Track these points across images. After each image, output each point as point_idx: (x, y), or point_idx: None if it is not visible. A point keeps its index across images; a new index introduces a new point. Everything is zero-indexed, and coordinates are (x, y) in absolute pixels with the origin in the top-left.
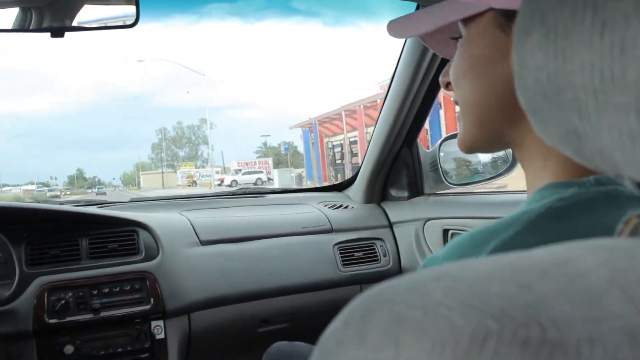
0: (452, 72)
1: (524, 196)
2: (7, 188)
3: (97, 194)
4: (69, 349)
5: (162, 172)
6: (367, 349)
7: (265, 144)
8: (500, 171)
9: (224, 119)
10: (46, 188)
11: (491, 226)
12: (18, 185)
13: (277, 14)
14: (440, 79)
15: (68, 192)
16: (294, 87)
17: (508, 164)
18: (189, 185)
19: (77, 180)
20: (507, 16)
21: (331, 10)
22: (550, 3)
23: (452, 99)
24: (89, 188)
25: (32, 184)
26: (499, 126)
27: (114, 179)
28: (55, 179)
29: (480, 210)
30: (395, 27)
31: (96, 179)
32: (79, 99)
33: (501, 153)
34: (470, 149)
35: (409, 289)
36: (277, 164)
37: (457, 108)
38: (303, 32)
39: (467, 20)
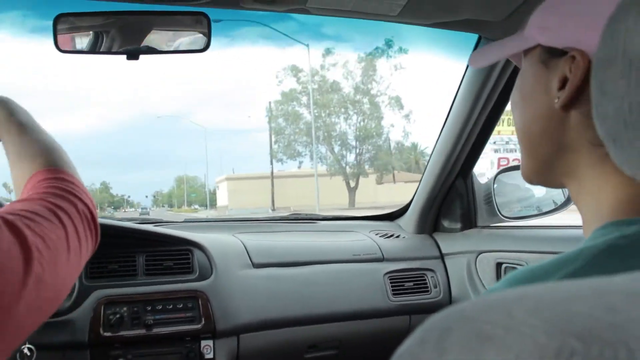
0: (510, 102)
1: (580, 231)
2: None
3: (140, 214)
4: None
5: (317, 175)
6: None
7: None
8: (556, 206)
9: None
10: None
11: (552, 261)
12: None
13: (309, 39)
14: None
15: None
16: None
17: (565, 199)
18: None
19: (100, 194)
20: (550, 52)
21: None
22: (631, 36)
23: None
24: (115, 208)
25: None
26: (549, 157)
27: (146, 197)
28: None
29: (536, 245)
30: (475, 58)
31: (124, 197)
32: (110, 116)
33: (557, 190)
34: (528, 179)
35: (490, 307)
36: None
37: None
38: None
39: (525, 54)
